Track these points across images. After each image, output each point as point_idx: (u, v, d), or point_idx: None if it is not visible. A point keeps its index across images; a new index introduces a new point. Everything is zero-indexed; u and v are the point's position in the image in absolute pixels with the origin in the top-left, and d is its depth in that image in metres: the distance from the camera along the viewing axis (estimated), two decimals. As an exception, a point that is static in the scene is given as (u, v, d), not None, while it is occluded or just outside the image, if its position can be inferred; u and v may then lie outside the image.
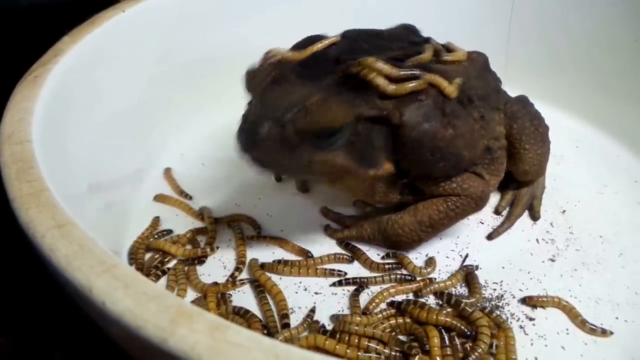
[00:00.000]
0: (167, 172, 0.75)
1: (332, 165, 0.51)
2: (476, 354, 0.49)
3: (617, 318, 0.56)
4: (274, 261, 0.61)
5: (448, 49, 0.63)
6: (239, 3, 0.81)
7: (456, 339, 0.51)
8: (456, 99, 0.57)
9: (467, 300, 0.55)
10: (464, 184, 0.58)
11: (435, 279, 0.59)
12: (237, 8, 0.81)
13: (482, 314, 0.53)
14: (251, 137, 0.48)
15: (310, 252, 0.62)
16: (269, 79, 0.52)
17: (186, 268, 0.59)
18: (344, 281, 0.59)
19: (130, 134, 0.69)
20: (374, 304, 0.55)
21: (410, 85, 0.53)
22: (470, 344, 0.51)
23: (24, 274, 0.55)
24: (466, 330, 0.52)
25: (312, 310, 0.55)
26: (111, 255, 0.33)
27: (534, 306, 0.57)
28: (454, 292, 0.58)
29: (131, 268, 0.33)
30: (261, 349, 0.26)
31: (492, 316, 0.54)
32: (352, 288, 0.58)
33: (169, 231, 0.65)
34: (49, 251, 0.33)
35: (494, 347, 0.51)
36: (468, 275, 0.59)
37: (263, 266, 0.60)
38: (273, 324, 0.53)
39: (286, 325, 0.52)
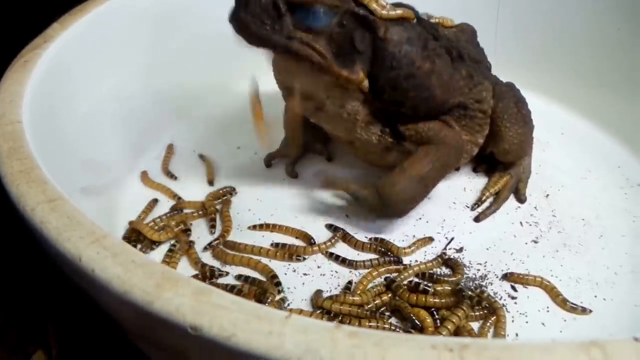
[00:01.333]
0: (169, 148, 0.77)
1: (310, 46, 0.53)
2: (449, 326, 0.51)
3: (595, 296, 0.58)
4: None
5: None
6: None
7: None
8: (444, 48, 0.60)
9: (450, 279, 0.57)
10: (440, 132, 0.61)
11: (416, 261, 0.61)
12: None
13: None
14: (244, 1, 0.51)
15: (312, 237, 0.63)
16: None
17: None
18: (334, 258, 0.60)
19: (121, 118, 0.70)
20: (361, 286, 0.57)
21: (399, 11, 0.56)
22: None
23: (15, 249, 0.56)
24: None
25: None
26: (99, 226, 0.34)
27: (515, 283, 0.58)
28: (438, 272, 0.59)
29: (118, 238, 0.35)
30: (243, 310, 0.28)
31: (483, 295, 0.55)
32: (340, 269, 0.60)
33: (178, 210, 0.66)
34: (40, 224, 0.34)
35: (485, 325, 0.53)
36: (447, 259, 0.61)
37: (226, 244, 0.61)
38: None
39: (278, 284, 0.55)
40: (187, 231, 0.63)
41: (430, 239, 0.64)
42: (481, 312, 0.54)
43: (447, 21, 0.64)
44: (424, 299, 0.54)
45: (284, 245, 0.62)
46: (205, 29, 0.80)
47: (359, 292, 0.55)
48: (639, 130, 0.77)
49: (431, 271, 0.59)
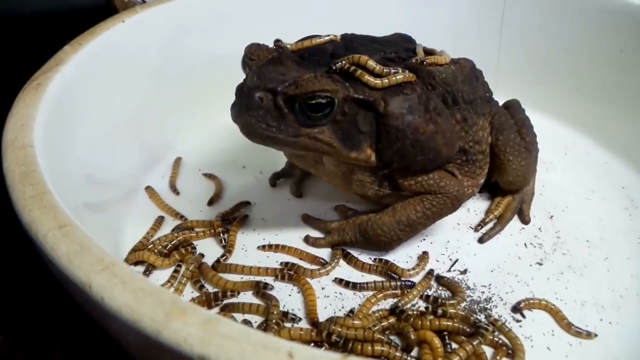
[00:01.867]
0: (176, 162, 0.79)
1: (317, 139, 0.54)
2: (461, 354, 0.51)
3: (601, 320, 0.58)
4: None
5: (433, 53, 0.66)
6: (233, 13, 0.84)
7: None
8: (440, 98, 0.61)
9: (451, 301, 0.57)
10: (440, 182, 0.61)
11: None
12: (231, 18, 0.84)
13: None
14: (245, 103, 0.52)
15: (324, 259, 0.63)
16: (267, 59, 0.56)
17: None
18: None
19: (129, 138, 0.72)
20: (364, 310, 0.57)
21: (394, 78, 0.57)
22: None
23: (24, 272, 0.57)
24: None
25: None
26: (109, 254, 0.35)
27: (522, 310, 0.59)
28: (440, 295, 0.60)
29: (128, 266, 0.35)
30: (250, 340, 0.28)
31: (505, 331, 0.55)
32: (344, 290, 0.60)
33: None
34: (51, 250, 0.35)
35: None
36: (445, 280, 0.61)
37: (215, 267, 0.62)
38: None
39: (271, 288, 0.57)
40: (192, 252, 0.64)
41: (426, 253, 0.64)
42: (496, 339, 0.54)
43: (441, 59, 0.63)
44: (437, 323, 0.54)
45: (292, 264, 0.63)
46: (213, 49, 0.82)
47: (361, 315, 0.55)
48: (642, 150, 0.78)
49: (435, 294, 0.59)
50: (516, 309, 0.58)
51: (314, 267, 0.63)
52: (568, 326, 0.56)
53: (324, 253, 0.65)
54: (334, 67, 0.56)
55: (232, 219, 0.69)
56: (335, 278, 0.61)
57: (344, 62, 0.56)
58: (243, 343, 0.28)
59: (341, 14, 0.87)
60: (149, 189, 0.73)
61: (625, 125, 0.81)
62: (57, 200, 0.40)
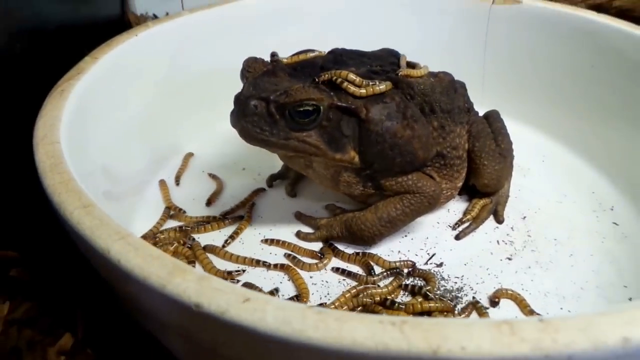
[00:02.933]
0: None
1: (305, 142, 0.62)
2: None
3: (561, 309, 0.65)
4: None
5: (414, 66, 0.74)
6: (234, 28, 0.93)
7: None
8: (419, 107, 0.69)
9: (426, 288, 0.64)
10: (418, 182, 0.69)
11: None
12: (233, 32, 0.93)
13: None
14: (242, 110, 0.61)
15: (321, 253, 0.70)
16: (262, 72, 0.65)
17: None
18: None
19: (140, 139, 0.81)
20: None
21: (376, 88, 0.65)
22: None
23: (50, 249, 0.66)
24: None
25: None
26: (124, 228, 0.43)
27: (493, 299, 0.65)
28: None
29: (139, 238, 0.43)
30: (235, 292, 0.36)
31: (482, 312, 0.63)
32: (330, 278, 0.68)
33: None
34: (77, 224, 0.43)
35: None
36: (416, 271, 0.69)
37: (205, 247, 0.70)
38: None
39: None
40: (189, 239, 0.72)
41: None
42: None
43: (413, 72, 0.70)
44: (427, 305, 0.61)
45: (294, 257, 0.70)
46: (216, 61, 0.91)
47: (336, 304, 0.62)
48: (612, 158, 0.85)
49: (412, 283, 0.67)
50: (490, 300, 0.65)
51: (312, 261, 0.70)
52: (530, 312, 0.63)
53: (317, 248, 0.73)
54: (317, 80, 0.64)
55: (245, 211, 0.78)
56: (333, 267, 0.69)
57: (326, 75, 0.64)
58: (230, 294, 0.36)
59: (334, 30, 0.96)
60: (162, 182, 0.83)
61: (597, 135, 0.88)
62: (81, 185, 0.48)
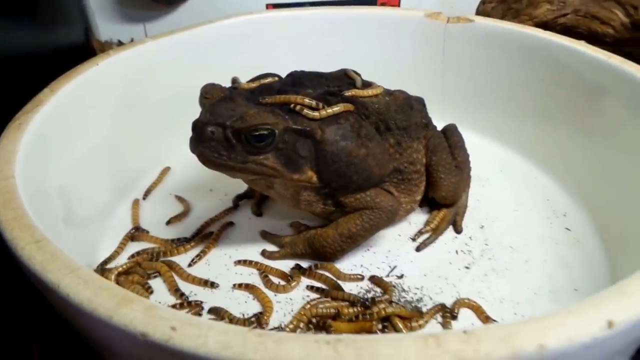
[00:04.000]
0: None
1: (263, 165, 0.65)
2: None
3: (515, 314, 0.67)
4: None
5: (370, 85, 0.77)
6: (192, 54, 0.96)
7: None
8: (374, 125, 0.71)
9: (385, 297, 0.67)
10: (376, 198, 0.71)
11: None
12: (191, 58, 0.96)
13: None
14: (199, 136, 0.63)
15: (290, 276, 0.72)
16: (220, 97, 0.67)
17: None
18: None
19: (101, 167, 0.82)
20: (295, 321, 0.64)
21: (336, 109, 0.68)
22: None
23: (3, 283, 0.67)
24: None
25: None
26: (75, 261, 0.44)
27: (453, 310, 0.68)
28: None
29: (90, 269, 0.45)
30: (179, 319, 0.38)
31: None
32: (294, 296, 0.70)
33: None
34: (28, 260, 0.45)
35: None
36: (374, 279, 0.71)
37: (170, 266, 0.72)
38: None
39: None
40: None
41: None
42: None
43: (362, 92, 0.72)
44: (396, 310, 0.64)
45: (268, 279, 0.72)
46: (176, 86, 0.93)
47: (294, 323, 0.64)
48: (564, 166, 0.89)
49: (371, 295, 0.69)
50: (450, 314, 0.67)
51: (281, 282, 0.71)
52: (486, 319, 0.66)
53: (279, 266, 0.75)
54: (261, 102, 0.66)
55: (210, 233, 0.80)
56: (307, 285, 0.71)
57: (269, 99, 0.67)
58: (173, 321, 0.37)
59: (294, 53, 0.99)
60: (135, 201, 0.86)
61: (550, 144, 0.92)
62: (34, 220, 0.50)
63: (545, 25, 0.98)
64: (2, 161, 0.58)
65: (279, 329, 0.63)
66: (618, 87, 0.79)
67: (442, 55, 1.02)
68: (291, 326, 0.62)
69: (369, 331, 0.63)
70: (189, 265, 0.74)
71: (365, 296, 0.69)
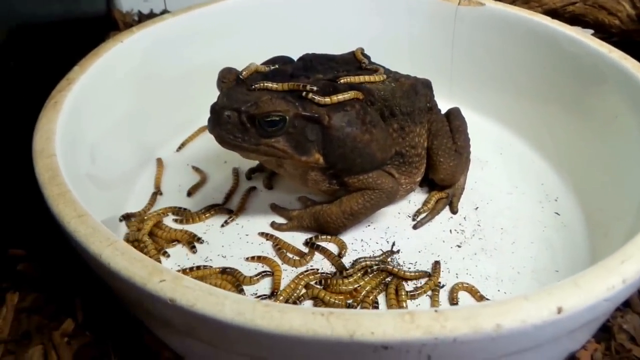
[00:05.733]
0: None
1: (274, 147, 0.72)
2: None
3: (498, 290, 0.75)
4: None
5: (376, 70, 0.82)
6: (216, 27, 1.01)
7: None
8: (379, 112, 0.77)
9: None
10: (378, 180, 0.79)
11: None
12: (215, 32, 1.01)
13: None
14: (217, 120, 0.70)
15: (305, 253, 0.80)
16: (235, 82, 0.74)
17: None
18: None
19: (126, 140, 0.90)
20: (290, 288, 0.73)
21: (346, 95, 0.74)
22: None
23: (53, 247, 0.77)
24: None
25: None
26: (114, 234, 0.53)
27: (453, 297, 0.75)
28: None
29: (125, 242, 0.54)
30: (202, 289, 0.46)
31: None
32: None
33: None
34: (73, 232, 0.54)
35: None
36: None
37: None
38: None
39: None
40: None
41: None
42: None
43: (356, 79, 0.77)
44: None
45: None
46: (196, 60, 0.99)
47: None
48: (560, 153, 0.94)
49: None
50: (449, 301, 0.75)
51: (295, 257, 0.80)
52: (480, 298, 0.73)
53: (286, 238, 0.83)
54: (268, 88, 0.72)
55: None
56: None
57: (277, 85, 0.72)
58: (197, 291, 0.46)
59: (309, 34, 1.04)
60: (159, 160, 0.96)
61: (548, 128, 0.97)
62: (76, 197, 0.58)
63: (553, 13, 1.01)
64: (43, 140, 0.66)
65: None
66: (615, 81, 0.83)
67: (452, 37, 1.06)
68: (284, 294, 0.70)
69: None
70: (222, 225, 0.84)
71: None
